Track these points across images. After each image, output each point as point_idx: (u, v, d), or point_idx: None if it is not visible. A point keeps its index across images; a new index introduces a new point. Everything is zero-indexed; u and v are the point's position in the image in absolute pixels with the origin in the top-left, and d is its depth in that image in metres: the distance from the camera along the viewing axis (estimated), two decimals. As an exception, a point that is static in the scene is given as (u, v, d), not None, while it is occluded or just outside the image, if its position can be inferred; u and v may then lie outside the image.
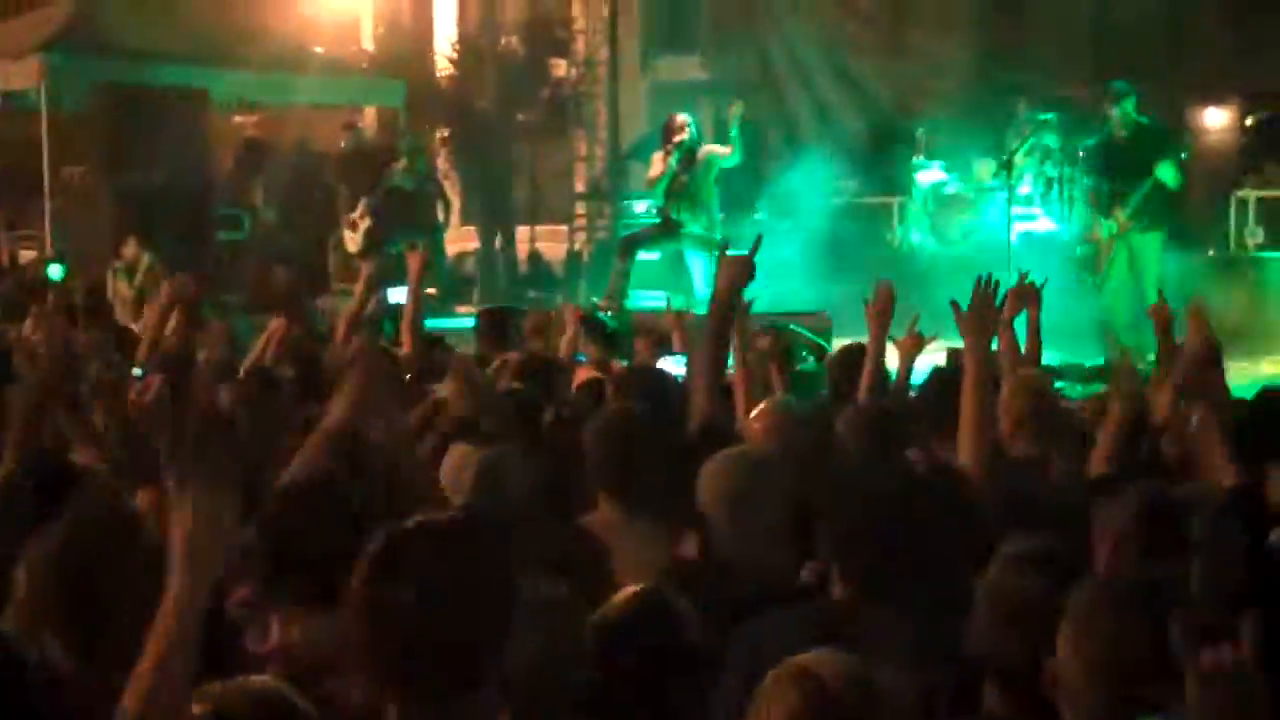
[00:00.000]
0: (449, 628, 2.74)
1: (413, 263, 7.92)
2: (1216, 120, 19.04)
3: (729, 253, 5.58)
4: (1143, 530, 3.87)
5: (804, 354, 10.19)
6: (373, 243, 15.21)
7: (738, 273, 5.37)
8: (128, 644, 2.95)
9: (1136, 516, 3.91)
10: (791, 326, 9.59)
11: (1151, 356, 10.71)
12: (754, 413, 5.13)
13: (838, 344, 11.76)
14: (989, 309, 4.98)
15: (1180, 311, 6.71)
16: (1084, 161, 13.84)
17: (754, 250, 5.45)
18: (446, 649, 2.74)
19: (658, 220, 14.13)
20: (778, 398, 5.42)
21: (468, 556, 2.83)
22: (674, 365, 7.96)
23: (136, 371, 6.56)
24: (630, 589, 3.37)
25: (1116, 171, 11.77)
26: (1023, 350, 6.86)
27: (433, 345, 8.19)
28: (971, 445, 4.75)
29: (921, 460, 5.04)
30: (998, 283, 5.04)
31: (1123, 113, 11.71)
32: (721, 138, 13.91)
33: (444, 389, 5.83)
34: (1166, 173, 11.44)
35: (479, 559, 2.84)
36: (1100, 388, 6.55)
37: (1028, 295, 6.98)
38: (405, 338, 7.86)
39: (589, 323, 9.00)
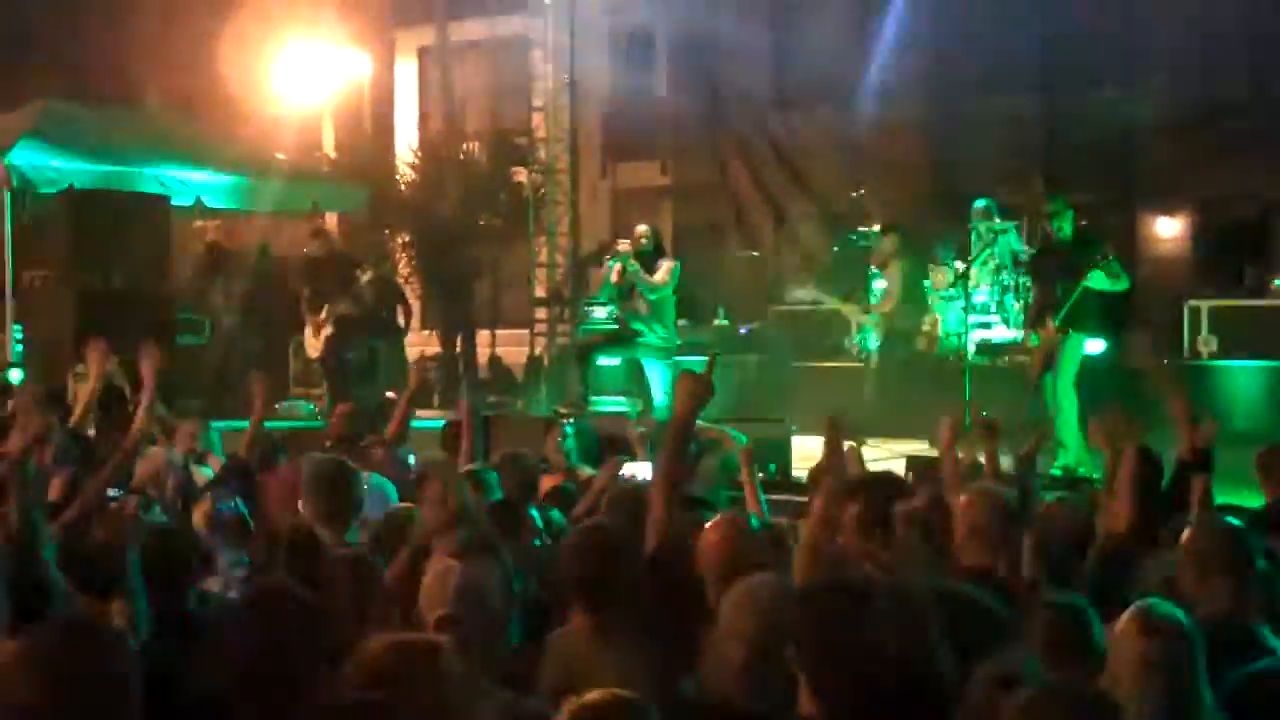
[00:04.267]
0: None
1: (412, 379, 8.37)
2: (1168, 230, 19.34)
3: (687, 371, 5.64)
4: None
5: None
6: (331, 351, 15.30)
7: (696, 392, 5.44)
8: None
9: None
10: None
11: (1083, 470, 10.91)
12: (709, 524, 5.20)
13: (797, 448, 11.92)
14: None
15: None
16: (1027, 271, 14.08)
17: (710, 369, 5.53)
18: None
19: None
20: (732, 511, 5.48)
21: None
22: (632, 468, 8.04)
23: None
24: (592, 693, 3.39)
25: (1053, 280, 11.97)
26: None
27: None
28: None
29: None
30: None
31: (1058, 227, 11.91)
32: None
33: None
34: (1097, 279, 11.63)
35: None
36: (1055, 496, 6.63)
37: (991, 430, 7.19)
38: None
39: (580, 434, 9.13)
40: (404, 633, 3.60)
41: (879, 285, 16.50)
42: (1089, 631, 4.31)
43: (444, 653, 3.40)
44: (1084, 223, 12.12)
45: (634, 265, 13.65)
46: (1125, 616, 4.12)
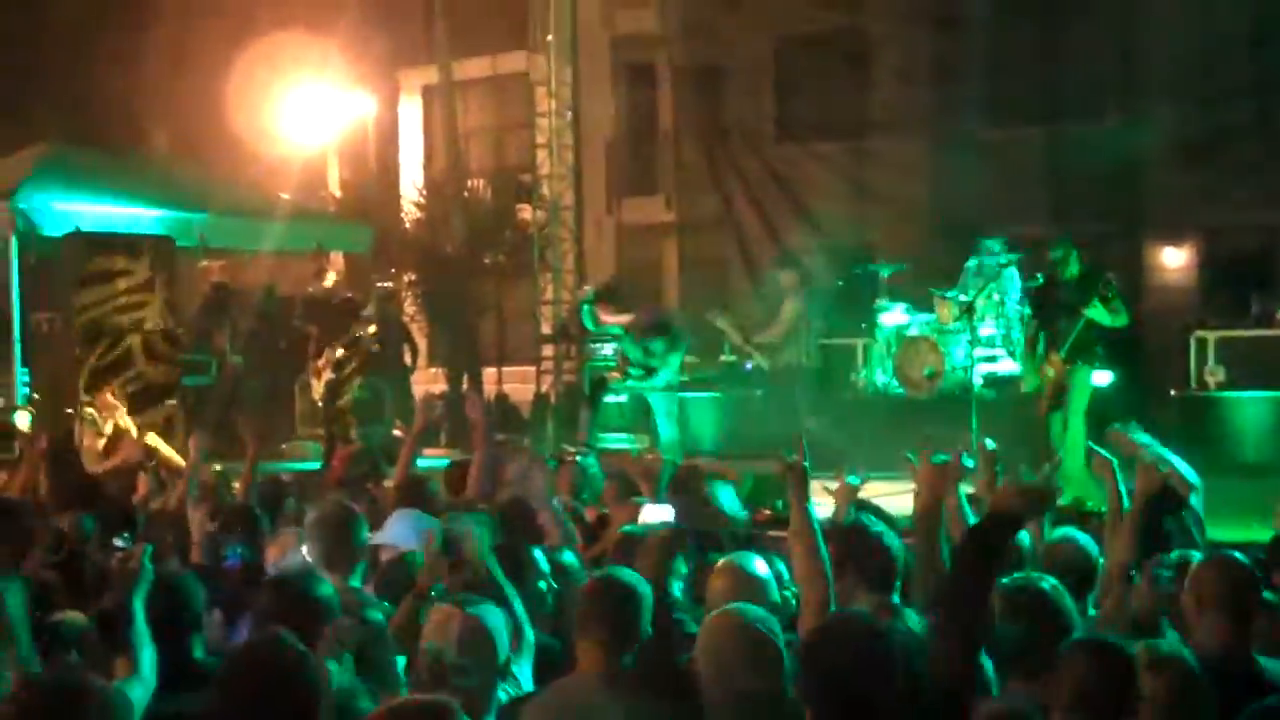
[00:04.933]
0: None
1: (418, 419, 8.65)
2: (1174, 260, 19.33)
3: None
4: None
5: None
6: (331, 393, 15.29)
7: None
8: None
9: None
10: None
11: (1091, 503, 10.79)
12: (715, 569, 5.20)
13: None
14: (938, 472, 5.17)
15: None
16: (1026, 307, 14.09)
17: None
18: None
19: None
20: (734, 557, 5.46)
21: None
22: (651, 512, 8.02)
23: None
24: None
25: (1054, 315, 11.95)
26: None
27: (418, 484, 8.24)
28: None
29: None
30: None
31: (1064, 270, 11.91)
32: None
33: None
34: (1097, 312, 11.62)
35: None
36: (1062, 532, 6.55)
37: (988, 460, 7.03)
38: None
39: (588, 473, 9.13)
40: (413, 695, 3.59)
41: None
42: (1126, 674, 4.19)
43: (452, 716, 3.42)
44: (1087, 259, 12.11)
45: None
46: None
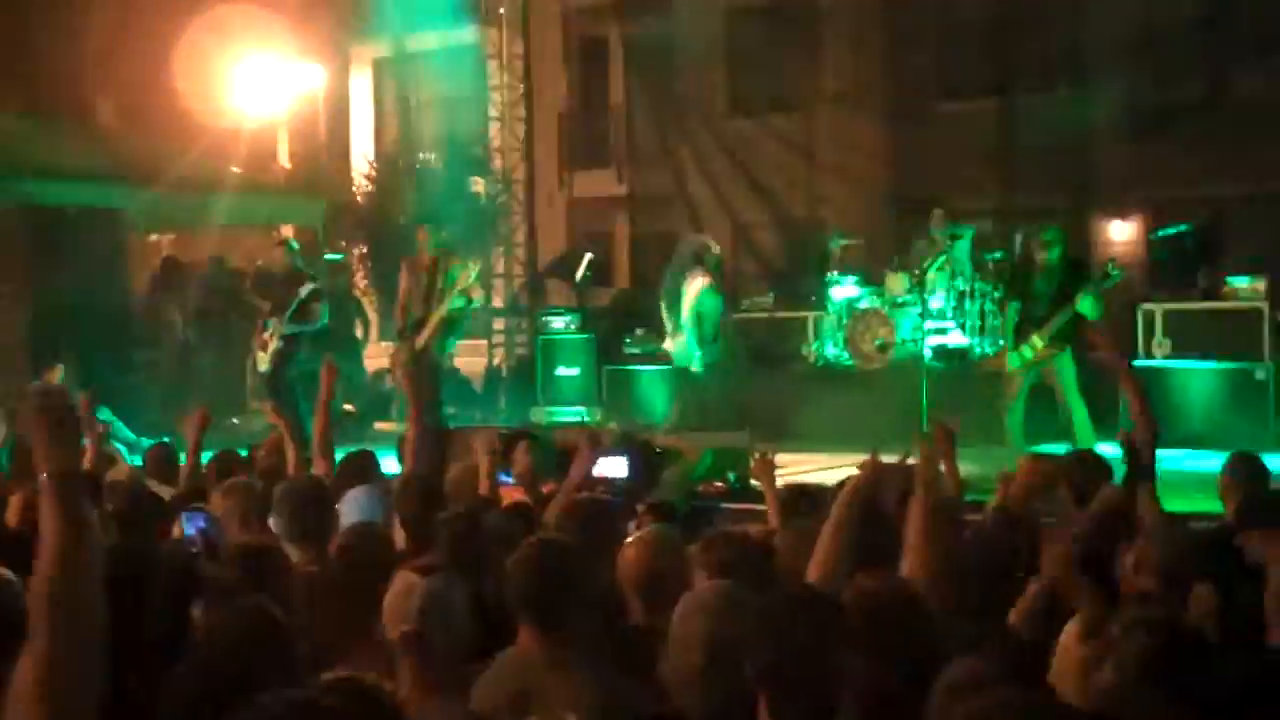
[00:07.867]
0: None
1: (324, 377, 8.01)
2: (1122, 234, 19.45)
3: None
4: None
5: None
6: (280, 364, 15.19)
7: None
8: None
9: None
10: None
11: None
12: (630, 539, 5.13)
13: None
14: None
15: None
16: (1002, 285, 14.10)
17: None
18: None
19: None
20: (652, 529, 5.37)
21: None
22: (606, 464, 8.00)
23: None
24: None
25: (1037, 300, 11.97)
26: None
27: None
28: (918, 563, 4.89)
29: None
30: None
31: (1049, 257, 11.93)
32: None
33: None
34: (1086, 304, 11.68)
35: None
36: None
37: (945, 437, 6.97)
38: (316, 458, 7.80)
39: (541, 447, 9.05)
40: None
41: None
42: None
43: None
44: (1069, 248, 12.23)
45: None
46: None
